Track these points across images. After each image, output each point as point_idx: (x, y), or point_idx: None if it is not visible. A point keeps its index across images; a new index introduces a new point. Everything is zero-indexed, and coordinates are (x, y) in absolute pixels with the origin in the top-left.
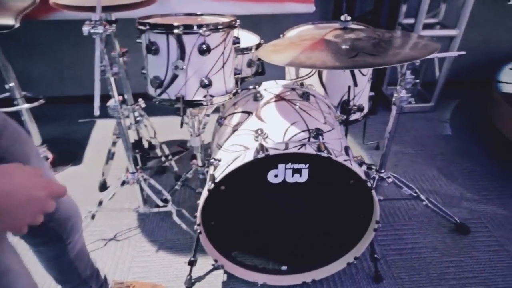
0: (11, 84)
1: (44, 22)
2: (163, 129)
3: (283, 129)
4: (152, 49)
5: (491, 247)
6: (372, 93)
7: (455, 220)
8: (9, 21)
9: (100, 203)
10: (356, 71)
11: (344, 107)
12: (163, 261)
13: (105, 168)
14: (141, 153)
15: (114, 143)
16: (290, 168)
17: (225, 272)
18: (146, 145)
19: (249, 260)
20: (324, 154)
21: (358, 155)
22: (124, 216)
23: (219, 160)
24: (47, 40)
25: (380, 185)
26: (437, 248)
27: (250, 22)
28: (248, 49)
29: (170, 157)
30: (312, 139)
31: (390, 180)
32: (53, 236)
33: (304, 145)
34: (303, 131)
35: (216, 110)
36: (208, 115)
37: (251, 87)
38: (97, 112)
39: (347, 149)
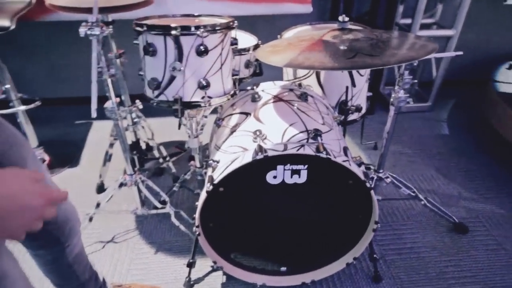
0: (7, 86)
1: (40, 23)
2: (161, 130)
3: (282, 130)
4: (150, 50)
5: (489, 246)
6: (370, 93)
7: (454, 220)
8: (4, 22)
9: (98, 205)
10: (354, 71)
11: (342, 107)
12: (161, 263)
13: (103, 170)
14: (139, 154)
15: (111, 145)
16: (289, 169)
17: (224, 273)
18: (143, 146)
19: (248, 261)
20: (323, 155)
21: (357, 156)
22: (122, 218)
23: (218, 162)
24: (43, 41)
25: (379, 185)
26: (436, 247)
27: (247, 23)
28: (246, 50)
29: (168, 158)
30: (310, 140)
31: (388, 180)
32: (51, 239)
33: (303, 146)
34: (301, 132)
35: (214, 111)
36: (206, 116)
37: (249, 88)
38: (94, 114)
39: (345, 150)
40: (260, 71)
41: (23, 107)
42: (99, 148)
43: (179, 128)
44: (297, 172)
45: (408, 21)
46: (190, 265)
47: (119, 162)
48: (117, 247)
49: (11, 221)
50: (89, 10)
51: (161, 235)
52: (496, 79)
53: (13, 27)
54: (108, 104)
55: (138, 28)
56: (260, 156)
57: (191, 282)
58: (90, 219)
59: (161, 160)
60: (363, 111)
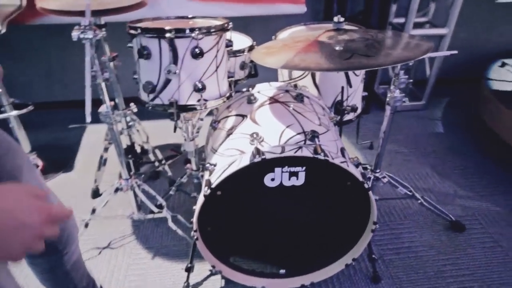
0: None
1: (31, 27)
2: (156, 133)
3: (279, 132)
4: (144, 53)
5: (486, 244)
6: (365, 93)
7: (450, 218)
8: None
9: (94, 211)
10: (349, 72)
11: (338, 107)
12: (159, 268)
13: (98, 174)
14: (134, 158)
15: (106, 149)
16: (286, 172)
17: (223, 277)
18: (138, 150)
19: (247, 264)
20: (321, 156)
21: (354, 156)
22: (118, 223)
23: (215, 165)
24: (34, 44)
25: (376, 185)
26: (433, 246)
27: (240, 24)
28: (241, 51)
29: (163, 161)
30: (308, 142)
31: (385, 180)
32: (49, 247)
33: (300, 148)
34: (298, 133)
35: (210, 113)
36: (201, 119)
37: (244, 89)
38: (88, 118)
39: (343, 151)
40: (255, 73)
41: (15, 112)
42: (93, 152)
43: (174, 131)
44: (295, 174)
45: (401, 20)
46: (189, 270)
47: (114, 166)
48: (113, 253)
49: (7, 240)
50: (81, 13)
51: (158, 240)
52: (489, 77)
53: (3, 30)
54: (102, 108)
55: (132, 31)
56: (257, 159)
57: (190, 287)
58: (86, 225)
59: (156, 164)
60: (359, 111)
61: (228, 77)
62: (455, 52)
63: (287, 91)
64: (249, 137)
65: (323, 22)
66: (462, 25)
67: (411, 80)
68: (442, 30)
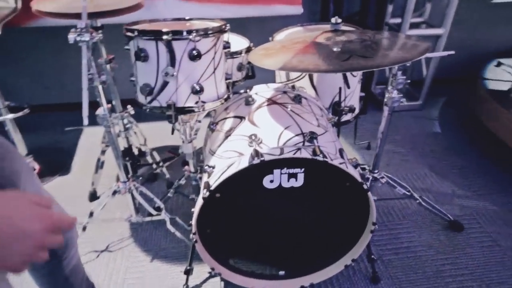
0: None
1: (27, 29)
2: (153, 135)
3: (277, 134)
4: (141, 56)
5: (484, 243)
6: (363, 94)
7: (449, 218)
8: None
9: (91, 214)
10: (347, 73)
11: (336, 108)
12: (158, 271)
13: (95, 177)
14: (132, 160)
15: (103, 152)
16: (285, 173)
17: (222, 279)
18: (136, 152)
19: (246, 266)
20: (320, 158)
21: (353, 157)
22: (116, 226)
23: (213, 167)
24: (30, 47)
25: (374, 185)
26: (432, 246)
27: (237, 25)
28: (238, 53)
29: (161, 163)
30: (306, 143)
31: (384, 180)
32: (49, 252)
33: (299, 149)
34: (297, 135)
35: (207, 114)
36: (199, 121)
37: (242, 91)
38: (86, 121)
39: (341, 152)
40: (252, 74)
41: (11, 115)
42: (90, 155)
43: (172, 133)
44: (294, 175)
45: (398, 20)
46: (188, 272)
47: (111, 169)
48: (112, 256)
49: (5, 248)
50: (77, 16)
51: (157, 242)
52: (485, 76)
53: None
54: (99, 111)
55: (129, 34)
56: (256, 161)
57: None
58: (84, 229)
59: (154, 166)
60: (357, 111)
61: (226, 79)
62: (452, 52)
63: (285, 92)
64: (248, 139)
65: (320, 23)
66: (457, 25)
67: (408, 81)
68: (438, 30)
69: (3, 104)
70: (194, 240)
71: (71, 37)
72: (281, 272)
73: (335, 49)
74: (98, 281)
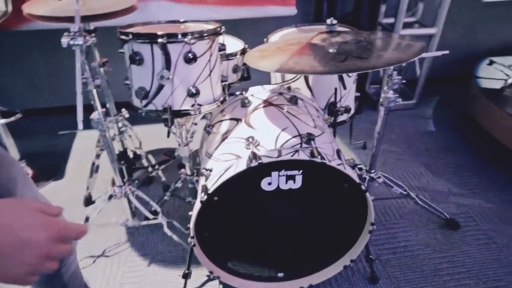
0: None
1: (17, 33)
2: (148, 138)
3: (274, 136)
4: (136, 59)
5: (480, 241)
6: (358, 94)
7: (445, 216)
8: None
9: (87, 219)
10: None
11: (332, 109)
12: (156, 275)
13: (90, 181)
14: (127, 164)
15: (98, 156)
16: (283, 175)
17: (221, 282)
18: (131, 155)
19: (245, 269)
20: (318, 159)
21: (350, 158)
22: (112, 231)
23: (210, 170)
24: (21, 51)
25: (371, 185)
26: (429, 244)
27: (230, 27)
28: (233, 54)
29: (156, 166)
30: (304, 145)
31: (380, 180)
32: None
33: (297, 151)
34: (294, 136)
35: (203, 116)
36: (195, 124)
37: (237, 93)
38: (80, 126)
39: (338, 152)
40: (248, 75)
41: (2, 120)
42: (84, 159)
43: (168, 136)
44: (292, 177)
45: (391, 20)
46: (186, 276)
47: (106, 173)
48: (108, 261)
49: (7, 259)
50: (69, 19)
51: (154, 246)
52: (477, 75)
53: None
54: (94, 115)
55: (123, 37)
56: (254, 164)
57: None
58: None
59: (150, 169)
60: (352, 111)
61: (222, 81)
62: (447, 52)
63: (280, 93)
64: (245, 141)
65: (314, 23)
66: (450, 24)
67: (404, 81)
68: (431, 30)
69: None
70: (193, 244)
71: (65, 41)
72: (280, 274)
73: (330, 50)
74: (95, 287)
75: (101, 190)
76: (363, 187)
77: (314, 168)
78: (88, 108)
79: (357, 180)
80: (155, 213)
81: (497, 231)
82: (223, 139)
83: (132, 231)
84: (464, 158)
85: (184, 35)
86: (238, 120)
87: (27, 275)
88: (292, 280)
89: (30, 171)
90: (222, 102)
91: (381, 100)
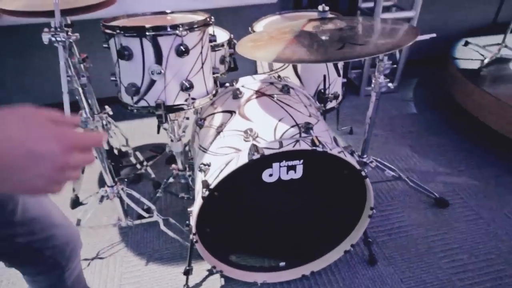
0: None
1: None
2: (132, 135)
3: (272, 127)
4: (125, 54)
5: (469, 217)
6: (345, 80)
7: (434, 195)
8: None
9: (79, 222)
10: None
11: (321, 96)
12: (154, 274)
13: (75, 182)
14: (114, 163)
15: (82, 171)
16: (284, 166)
17: (222, 276)
18: (116, 153)
19: (246, 261)
20: (320, 148)
21: (348, 145)
22: (104, 232)
23: (209, 165)
24: None
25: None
26: (421, 224)
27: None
28: (219, 45)
29: (145, 163)
30: (303, 134)
31: (373, 164)
32: (52, 264)
33: (297, 141)
34: (292, 126)
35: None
36: (187, 118)
37: (227, 84)
38: None
39: (336, 140)
40: (235, 66)
41: None
42: None
43: (158, 132)
44: (292, 167)
45: (370, 4)
46: (187, 273)
47: (92, 173)
48: (104, 263)
49: (22, 173)
50: (46, 14)
51: (150, 245)
52: (454, 56)
53: None
54: (81, 115)
55: (109, 31)
56: (256, 156)
57: None
58: None
59: (138, 166)
60: (340, 97)
61: (213, 74)
62: (434, 35)
63: (271, 83)
64: (243, 134)
65: (297, 10)
66: (425, 6)
67: (395, 66)
68: (409, 13)
69: None
70: (195, 240)
71: (46, 37)
72: (282, 263)
73: (323, 38)
74: None
75: (88, 192)
76: (363, 173)
77: (314, 157)
78: (73, 107)
79: (358, 167)
80: (148, 211)
81: (483, 207)
82: (218, 133)
83: (126, 231)
84: (447, 137)
85: (175, 27)
86: (231, 112)
87: (48, 186)
88: (294, 268)
89: None
90: (214, 95)
91: (372, 85)
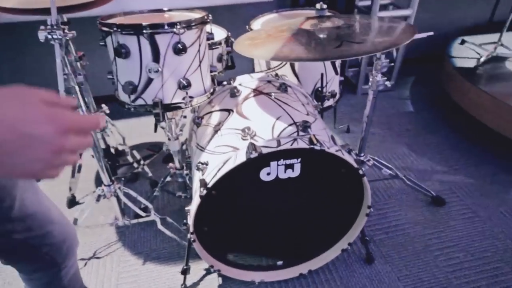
0: None
1: None
2: (128, 133)
3: (270, 125)
4: (122, 52)
5: (465, 215)
6: (342, 78)
7: (431, 194)
8: None
9: (75, 221)
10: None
11: (318, 94)
12: (152, 273)
13: (72, 182)
14: (110, 161)
15: (79, 155)
16: (282, 165)
17: (220, 275)
18: (113, 152)
19: (244, 259)
20: (317, 147)
21: (345, 143)
22: (101, 231)
23: (206, 164)
24: None
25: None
26: (418, 222)
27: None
28: (217, 43)
29: (142, 162)
30: (301, 133)
31: (370, 163)
32: (48, 261)
33: (295, 139)
34: (290, 125)
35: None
36: (185, 117)
37: (225, 82)
38: None
39: (333, 138)
40: (232, 64)
41: None
42: None
43: (155, 131)
44: (290, 166)
45: (367, 3)
46: (185, 272)
47: (88, 172)
48: (101, 263)
49: (17, 157)
50: (42, 12)
51: (147, 244)
52: (451, 54)
53: None
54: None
55: (106, 28)
56: (254, 155)
57: None
58: None
59: (135, 165)
60: (338, 96)
61: (211, 71)
62: (431, 33)
63: (269, 81)
64: (241, 132)
65: (294, 8)
66: (422, 4)
67: (392, 64)
68: (406, 11)
69: None
70: (192, 239)
71: (42, 35)
72: (279, 262)
73: (321, 36)
74: None
75: (84, 191)
76: (361, 172)
77: (312, 156)
78: None
79: (355, 165)
80: (145, 210)
81: (479, 205)
82: (215, 131)
83: (123, 230)
84: (443, 135)
85: (172, 24)
86: (229, 110)
87: (45, 170)
88: (292, 267)
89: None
90: (212, 93)
91: (370, 83)
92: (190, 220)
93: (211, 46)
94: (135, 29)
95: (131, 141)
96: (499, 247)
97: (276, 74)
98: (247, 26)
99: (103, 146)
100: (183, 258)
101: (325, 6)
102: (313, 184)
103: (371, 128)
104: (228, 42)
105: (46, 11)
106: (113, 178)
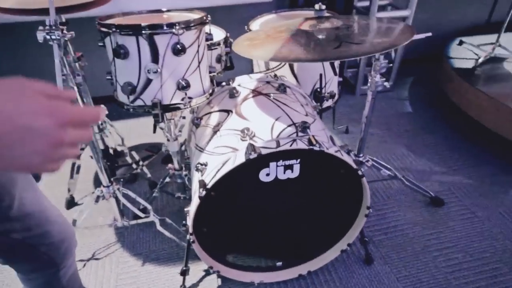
0: None
1: None
2: (126, 134)
3: (269, 126)
4: (121, 53)
5: (464, 216)
6: (340, 79)
7: (430, 194)
8: None
9: (74, 223)
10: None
11: (317, 95)
12: (151, 274)
13: (70, 183)
14: (109, 162)
15: (78, 156)
16: (281, 165)
17: (219, 276)
18: (111, 153)
19: (243, 260)
20: (316, 147)
21: (344, 144)
22: (100, 232)
23: (205, 165)
24: None
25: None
26: (417, 223)
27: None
28: (216, 44)
29: (141, 163)
30: (300, 133)
31: (369, 163)
32: (46, 261)
33: (294, 140)
34: (289, 125)
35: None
36: (184, 117)
37: (224, 83)
38: None
39: (332, 139)
40: (231, 65)
41: None
42: None
43: (154, 132)
44: (289, 167)
45: (365, 3)
46: (184, 273)
47: (86, 173)
48: (100, 264)
49: (15, 150)
50: (41, 12)
51: (146, 245)
52: (449, 55)
53: None
54: None
55: (105, 29)
56: (253, 156)
57: None
58: None
59: (134, 166)
60: (336, 97)
61: (210, 72)
62: (429, 34)
63: (268, 82)
64: (240, 133)
65: (293, 9)
66: (420, 5)
67: (391, 65)
68: (404, 12)
69: None
70: (192, 240)
71: (40, 35)
72: (279, 263)
73: (320, 37)
74: None
75: (83, 192)
76: (360, 173)
77: (311, 156)
78: None
79: (355, 166)
80: (144, 211)
81: (478, 205)
82: (215, 132)
83: (122, 231)
84: (442, 136)
85: (171, 25)
86: (228, 111)
87: (44, 163)
88: (291, 268)
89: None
90: (211, 94)
91: (369, 84)
92: (189, 221)
93: (210, 47)
94: (134, 30)
95: (130, 142)
96: (498, 247)
97: (275, 75)
98: (246, 26)
99: (102, 147)
100: (182, 259)
101: (323, 6)
102: (312, 185)
103: (370, 129)
104: (227, 42)
105: (45, 11)
106: (112, 179)
